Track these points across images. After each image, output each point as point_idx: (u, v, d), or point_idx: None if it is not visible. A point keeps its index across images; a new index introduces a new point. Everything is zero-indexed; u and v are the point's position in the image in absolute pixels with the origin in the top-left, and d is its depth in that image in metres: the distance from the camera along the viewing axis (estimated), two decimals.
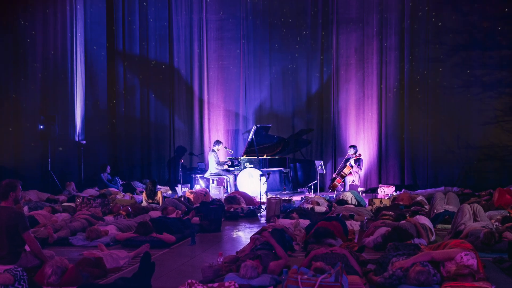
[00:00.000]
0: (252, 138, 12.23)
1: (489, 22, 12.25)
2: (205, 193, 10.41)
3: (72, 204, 9.16)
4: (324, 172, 12.53)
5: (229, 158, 12.57)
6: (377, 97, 12.93)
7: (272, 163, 12.29)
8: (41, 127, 11.68)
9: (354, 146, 12.06)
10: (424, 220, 6.72)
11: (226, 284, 4.30)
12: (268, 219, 8.36)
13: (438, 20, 12.55)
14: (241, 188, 11.67)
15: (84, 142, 12.95)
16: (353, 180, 11.84)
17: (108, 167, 12.54)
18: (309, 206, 9.01)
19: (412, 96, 12.75)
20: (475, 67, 12.38)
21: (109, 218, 8.06)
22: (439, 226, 7.38)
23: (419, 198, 9.60)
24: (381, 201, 9.43)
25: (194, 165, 13.63)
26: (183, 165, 12.87)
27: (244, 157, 12.31)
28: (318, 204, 9.26)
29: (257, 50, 13.53)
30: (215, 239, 7.05)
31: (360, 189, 11.54)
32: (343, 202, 9.53)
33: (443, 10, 12.55)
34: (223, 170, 11.95)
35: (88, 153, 13.07)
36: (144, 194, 10.09)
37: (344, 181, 11.86)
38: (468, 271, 4.25)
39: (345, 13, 13.11)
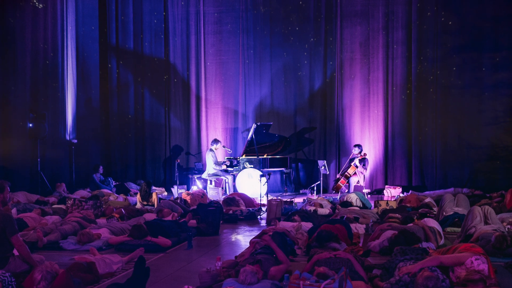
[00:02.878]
0: (251, 137, 12.23)
1: (499, 22, 12.24)
2: (203, 195, 10.41)
3: (62, 206, 9.17)
4: (328, 173, 12.52)
5: (227, 158, 12.57)
6: (383, 93, 12.92)
7: (272, 163, 12.29)
8: (31, 125, 11.67)
9: (359, 145, 12.06)
10: (432, 223, 6.71)
11: None
12: (268, 222, 8.36)
13: (447, 17, 12.52)
14: (240, 190, 11.67)
15: (75, 141, 12.94)
16: (358, 181, 11.84)
17: (101, 167, 12.53)
18: (312, 208, 9.01)
19: (420, 93, 12.72)
20: (486, 65, 12.36)
21: (102, 220, 8.06)
22: (448, 229, 7.38)
23: (427, 200, 9.60)
24: (387, 203, 9.44)
25: (191, 165, 13.63)
26: (180, 165, 12.87)
27: (244, 156, 12.31)
28: (321, 206, 9.26)
29: (257, 44, 13.53)
30: (213, 243, 7.04)
31: (365, 191, 11.55)
32: (347, 204, 9.54)
33: (451, 8, 12.52)
34: (221, 170, 11.95)
35: (80, 152, 13.07)
36: (138, 195, 10.09)
37: (348, 182, 11.86)
38: (478, 276, 4.25)
39: (349, 6, 13.10)
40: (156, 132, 14.03)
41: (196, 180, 12.39)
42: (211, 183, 11.99)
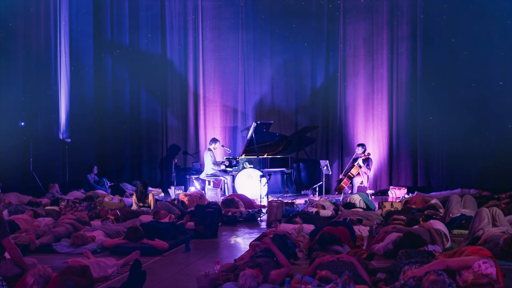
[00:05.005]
0: (251, 136, 12.22)
1: (506, 18, 12.25)
2: (201, 196, 10.40)
3: (56, 208, 9.16)
4: (330, 173, 12.52)
5: (226, 158, 12.57)
6: (388, 91, 12.91)
7: (273, 163, 12.29)
8: (23, 123, 11.66)
9: (362, 145, 12.05)
10: (438, 225, 6.72)
11: None
12: (269, 224, 8.37)
13: (453, 12, 12.52)
14: (239, 190, 11.67)
15: (69, 140, 12.93)
16: (362, 181, 11.83)
17: (95, 167, 12.52)
18: (314, 209, 9.02)
19: (426, 91, 12.71)
20: (493, 63, 12.35)
21: (96, 222, 8.07)
22: (455, 231, 7.38)
23: (433, 201, 9.60)
24: (392, 204, 9.43)
25: (189, 165, 13.63)
26: (177, 165, 12.85)
27: (243, 156, 12.30)
28: (324, 207, 9.27)
29: (257, 40, 13.51)
30: (211, 246, 7.05)
31: (369, 191, 11.54)
32: (350, 205, 9.53)
33: (457, 2, 12.51)
34: (220, 170, 11.94)
35: (74, 152, 13.05)
36: (134, 196, 10.09)
37: (351, 183, 11.85)
38: (486, 280, 4.25)
39: (352, 0, 13.08)
40: (152, 131, 14.02)
41: (194, 180, 12.39)
42: (209, 184, 11.99)
